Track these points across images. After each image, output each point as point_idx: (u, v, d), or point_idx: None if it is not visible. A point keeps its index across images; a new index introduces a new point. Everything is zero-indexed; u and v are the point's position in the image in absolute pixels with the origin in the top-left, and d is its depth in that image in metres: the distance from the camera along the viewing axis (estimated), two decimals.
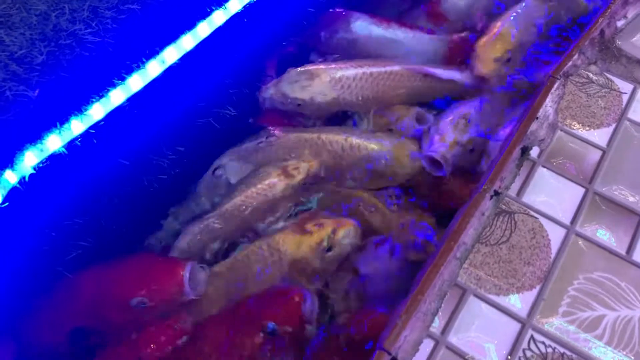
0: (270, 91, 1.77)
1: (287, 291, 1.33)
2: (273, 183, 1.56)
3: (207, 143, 1.81)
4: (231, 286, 1.42)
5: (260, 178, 1.58)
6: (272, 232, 1.52)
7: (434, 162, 1.51)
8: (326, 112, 1.77)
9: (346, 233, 1.40)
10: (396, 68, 1.74)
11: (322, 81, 1.72)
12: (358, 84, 1.72)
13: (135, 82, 1.59)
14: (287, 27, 1.99)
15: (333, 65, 1.77)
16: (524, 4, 1.78)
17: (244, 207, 1.54)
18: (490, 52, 1.65)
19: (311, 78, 1.73)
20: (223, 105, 1.87)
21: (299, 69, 1.77)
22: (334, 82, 1.72)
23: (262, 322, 1.28)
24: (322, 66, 1.78)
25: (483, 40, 1.70)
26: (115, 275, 1.47)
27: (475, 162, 1.53)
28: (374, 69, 1.74)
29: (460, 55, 1.78)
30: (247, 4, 1.82)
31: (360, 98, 1.73)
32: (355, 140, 1.59)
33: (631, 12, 1.58)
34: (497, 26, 1.70)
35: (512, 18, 1.73)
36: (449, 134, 1.54)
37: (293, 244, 1.42)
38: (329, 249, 1.39)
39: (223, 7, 1.76)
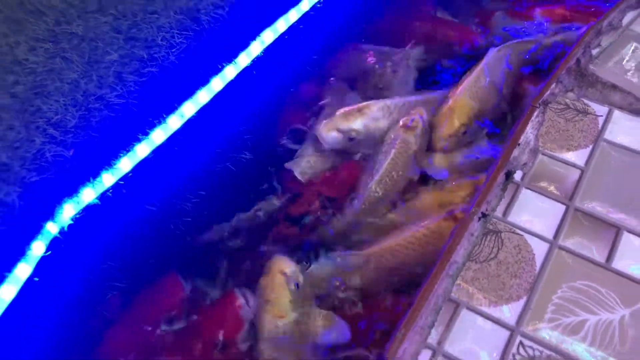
0: (324, 130, 1.86)
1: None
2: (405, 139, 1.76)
3: (226, 186, 1.98)
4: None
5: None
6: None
7: None
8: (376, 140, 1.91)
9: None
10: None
11: (371, 110, 1.88)
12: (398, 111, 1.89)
13: (158, 135, 1.77)
14: (294, 75, 2.17)
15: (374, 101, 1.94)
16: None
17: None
18: (446, 129, 1.76)
19: (361, 110, 1.88)
20: (239, 150, 2.04)
21: (345, 108, 1.92)
22: (383, 110, 1.89)
23: None
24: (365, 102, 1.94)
25: (441, 112, 1.81)
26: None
27: None
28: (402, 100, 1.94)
29: None
30: (255, 58, 2.01)
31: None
32: None
33: (605, 41, 1.71)
34: (456, 97, 1.79)
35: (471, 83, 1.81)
36: None
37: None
38: None
39: (233, 62, 1.95)
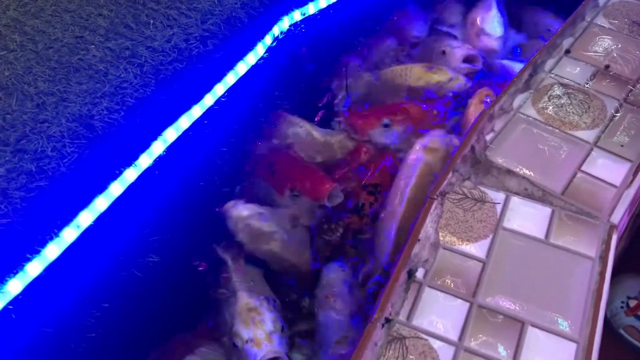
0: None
1: None
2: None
3: (132, 294, 1.89)
4: None
5: None
6: None
7: None
8: None
9: None
10: None
11: None
12: None
13: (52, 251, 1.67)
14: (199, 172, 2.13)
15: None
16: None
17: None
18: None
19: None
20: (146, 254, 1.96)
21: None
22: None
23: None
24: None
25: None
26: None
27: None
28: None
29: None
30: (157, 158, 1.95)
31: None
32: None
33: (498, 125, 1.74)
34: None
35: None
36: None
37: None
38: None
39: (134, 165, 1.88)
